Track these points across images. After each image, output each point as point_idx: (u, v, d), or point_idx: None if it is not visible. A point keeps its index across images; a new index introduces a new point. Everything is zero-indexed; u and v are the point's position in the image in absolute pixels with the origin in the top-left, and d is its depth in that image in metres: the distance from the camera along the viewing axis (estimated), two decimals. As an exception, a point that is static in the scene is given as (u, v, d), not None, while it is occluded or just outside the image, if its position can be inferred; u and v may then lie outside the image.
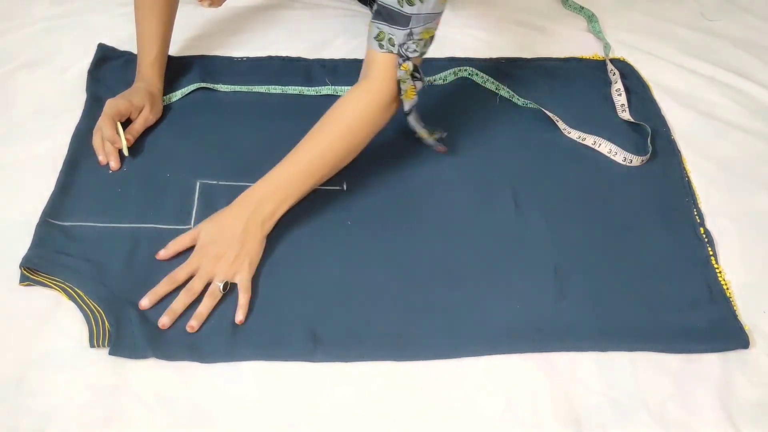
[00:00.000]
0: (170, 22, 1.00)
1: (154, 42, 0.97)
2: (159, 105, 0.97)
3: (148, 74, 0.97)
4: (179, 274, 0.77)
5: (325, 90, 1.03)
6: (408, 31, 0.81)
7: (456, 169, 0.94)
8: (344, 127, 0.84)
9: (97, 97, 0.99)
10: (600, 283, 0.83)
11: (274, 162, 0.92)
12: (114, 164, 0.89)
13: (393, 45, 0.82)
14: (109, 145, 0.90)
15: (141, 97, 0.94)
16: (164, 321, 0.74)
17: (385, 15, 0.82)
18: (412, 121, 0.89)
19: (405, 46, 0.82)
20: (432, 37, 0.84)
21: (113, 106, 0.91)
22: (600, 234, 0.88)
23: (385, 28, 0.82)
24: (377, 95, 0.84)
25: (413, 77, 0.83)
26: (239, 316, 0.75)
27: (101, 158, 0.90)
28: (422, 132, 0.91)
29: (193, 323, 0.74)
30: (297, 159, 0.83)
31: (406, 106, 0.86)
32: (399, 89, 0.84)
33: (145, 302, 0.76)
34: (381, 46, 0.83)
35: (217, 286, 0.76)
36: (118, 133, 0.90)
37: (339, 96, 0.99)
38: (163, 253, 0.80)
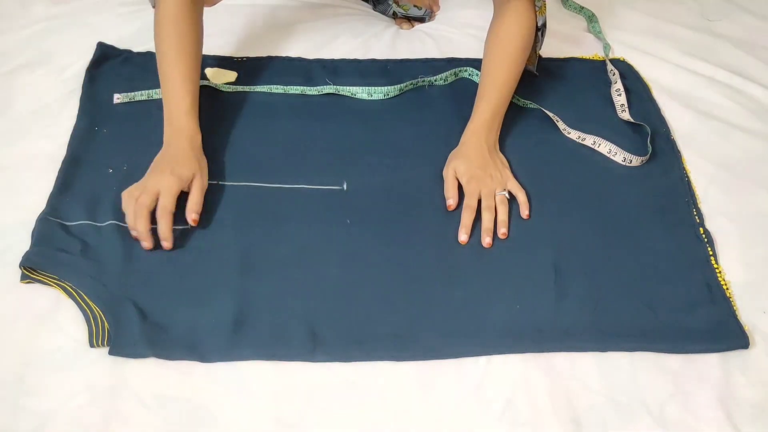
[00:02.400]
0: (199, 64, 0.93)
1: (188, 88, 0.89)
2: (204, 161, 0.88)
3: (186, 125, 0.88)
4: (471, 201, 0.87)
5: (327, 89, 1.03)
6: None
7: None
8: (516, 47, 0.96)
9: (93, 96, 0.99)
10: (600, 283, 0.83)
11: (274, 162, 0.93)
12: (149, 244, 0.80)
13: None
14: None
15: (189, 167, 0.84)
16: (463, 238, 0.85)
17: None
18: (541, 37, 1.00)
19: None
20: None
21: (169, 194, 0.81)
22: (600, 234, 0.88)
23: None
24: (529, 12, 0.96)
25: None
26: (524, 212, 0.89)
27: (148, 244, 0.80)
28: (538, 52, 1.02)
29: (494, 236, 0.85)
30: (492, 89, 0.95)
31: (540, 21, 0.97)
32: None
33: (464, 237, 0.85)
34: None
35: (504, 195, 0.88)
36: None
37: (341, 95, 0.99)
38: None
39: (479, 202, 0.88)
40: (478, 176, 0.89)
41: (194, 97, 0.90)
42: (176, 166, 0.84)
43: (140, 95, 0.98)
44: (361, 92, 1.03)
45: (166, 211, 0.80)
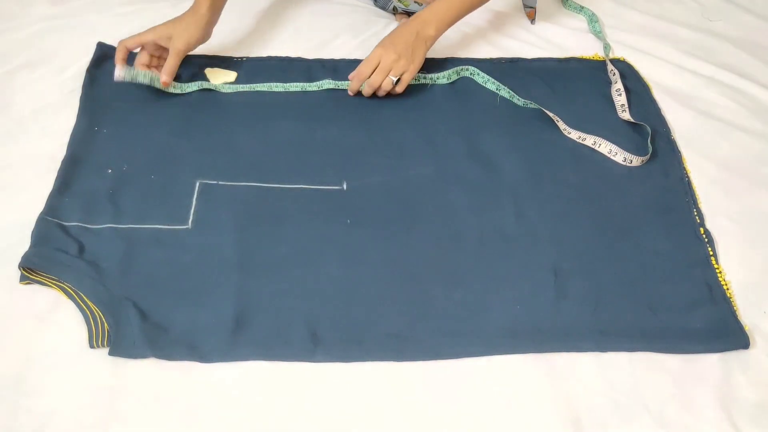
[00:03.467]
0: None
1: None
2: (195, 32, 0.99)
3: (201, 3, 0.99)
4: (364, 69, 0.98)
5: (327, 84, 1.04)
6: None
7: (455, 168, 0.95)
8: None
9: (93, 96, 0.99)
10: (600, 283, 0.83)
11: (274, 162, 0.93)
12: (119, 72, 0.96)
13: None
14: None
15: (162, 29, 0.98)
16: (353, 86, 0.99)
17: None
18: None
19: None
20: None
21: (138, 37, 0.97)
22: (600, 234, 0.88)
23: None
24: None
25: None
26: (399, 89, 0.99)
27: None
28: None
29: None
30: None
31: None
32: None
33: (353, 84, 0.99)
34: None
35: (391, 80, 0.97)
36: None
37: (342, 90, 1.02)
38: (350, 91, 1.00)
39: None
40: (390, 54, 0.97)
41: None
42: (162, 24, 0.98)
43: (143, 76, 0.98)
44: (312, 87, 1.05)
45: (173, 55, 0.97)
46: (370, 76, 0.98)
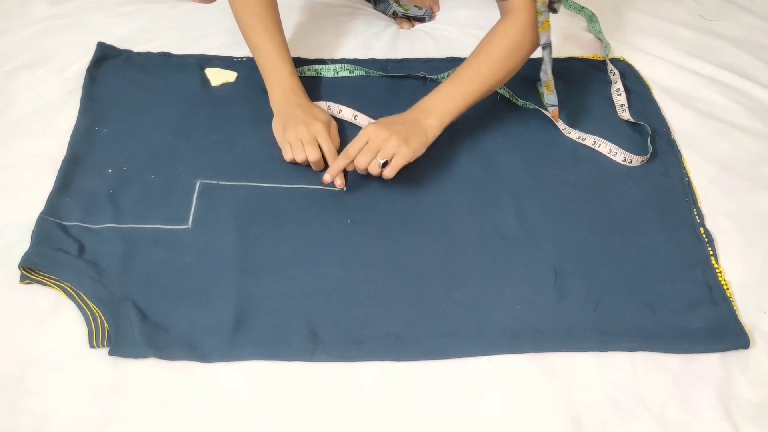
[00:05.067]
0: (281, 25, 1.00)
1: (283, 55, 0.97)
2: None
3: (296, 85, 0.97)
4: (352, 149, 0.86)
5: (342, 71, 1.06)
6: None
7: (456, 168, 0.95)
8: (501, 51, 0.93)
9: (93, 96, 0.99)
10: (600, 283, 0.83)
11: (275, 161, 0.92)
12: (340, 182, 0.89)
13: None
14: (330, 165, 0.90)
15: (322, 112, 0.96)
16: (326, 177, 0.86)
17: None
18: (546, 56, 0.96)
19: None
20: None
21: (326, 138, 0.91)
22: (600, 234, 0.88)
23: None
24: (524, 20, 0.92)
25: (550, 7, 0.91)
26: (387, 173, 0.86)
27: (339, 183, 0.89)
28: (548, 76, 0.98)
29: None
30: (459, 80, 0.92)
31: (543, 39, 0.94)
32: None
33: (327, 177, 0.86)
34: None
35: (378, 162, 0.85)
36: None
37: (354, 76, 1.05)
38: (328, 177, 0.87)
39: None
40: (381, 135, 0.86)
41: (290, 60, 0.99)
42: (309, 116, 0.93)
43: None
44: (359, 70, 1.07)
45: (335, 152, 0.91)
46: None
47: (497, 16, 0.97)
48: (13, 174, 0.89)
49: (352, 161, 0.86)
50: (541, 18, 0.91)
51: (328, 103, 0.99)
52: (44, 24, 1.12)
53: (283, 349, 0.74)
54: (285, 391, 0.72)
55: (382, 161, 0.85)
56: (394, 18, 1.22)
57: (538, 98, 1.04)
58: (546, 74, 0.98)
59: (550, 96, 1.00)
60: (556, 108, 1.00)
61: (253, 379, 0.72)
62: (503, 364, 0.76)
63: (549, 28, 0.93)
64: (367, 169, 0.86)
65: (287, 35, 1.06)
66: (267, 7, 0.97)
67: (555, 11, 0.93)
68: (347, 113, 1.00)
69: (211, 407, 0.70)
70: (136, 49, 1.08)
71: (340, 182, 0.89)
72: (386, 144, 0.85)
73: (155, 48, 1.08)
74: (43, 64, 1.05)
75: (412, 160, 0.87)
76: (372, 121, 0.99)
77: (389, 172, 0.86)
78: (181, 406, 0.70)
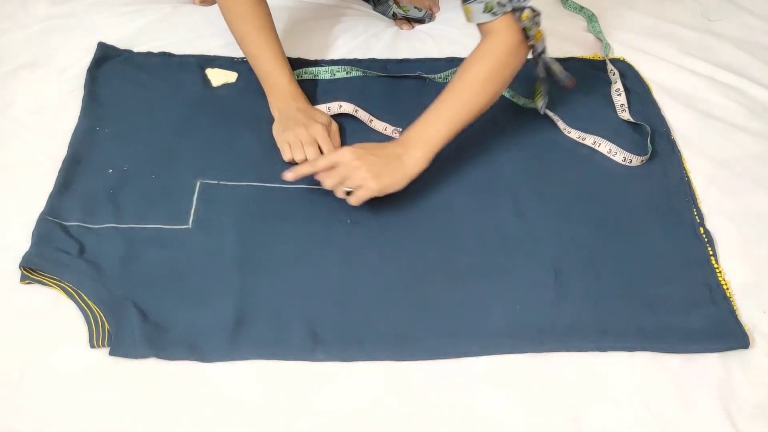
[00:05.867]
0: (276, 33, 1.00)
1: (280, 62, 0.98)
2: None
3: (296, 91, 0.98)
4: (320, 163, 0.84)
5: (340, 73, 1.05)
6: None
7: (456, 168, 0.95)
8: (482, 74, 0.88)
9: (94, 96, 0.99)
10: (600, 283, 0.83)
11: (275, 161, 0.92)
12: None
13: (503, 5, 0.86)
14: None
15: (321, 115, 0.96)
16: (287, 175, 0.84)
17: None
18: (547, 58, 0.93)
19: (515, 0, 0.86)
20: None
21: (325, 139, 0.92)
22: (600, 234, 0.88)
23: None
24: (507, 40, 0.88)
25: (534, 18, 0.88)
26: (351, 202, 0.83)
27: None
28: (556, 66, 0.95)
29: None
30: (442, 109, 0.87)
31: (539, 48, 0.91)
32: (527, 37, 0.88)
33: (289, 175, 0.84)
34: (495, 14, 0.86)
35: (342, 190, 0.83)
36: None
37: (352, 77, 1.04)
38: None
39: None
40: (354, 162, 0.82)
41: (288, 67, 0.99)
42: (309, 119, 0.93)
43: None
44: (356, 71, 1.07)
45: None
46: (321, 170, 0.85)
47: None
48: (14, 174, 0.89)
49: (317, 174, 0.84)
50: (532, 32, 0.88)
51: (328, 105, 1.00)
52: (45, 24, 1.12)
53: (283, 349, 0.74)
54: (285, 391, 0.72)
55: (346, 190, 0.83)
56: (394, 19, 1.22)
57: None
58: (552, 67, 0.96)
59: (561, 75, 0.97)
60: (570, 79, 0.99)
61: (253, 379, 0.72)
62: (503, 364, 0.76)
63: (542, 36, 0.90)
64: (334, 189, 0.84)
65: (287, 37, 1.07)
66: (259, 16, 0.97)
67: (538, 24, 0.89)
68: (348, 108, 1.00)
69: (212, 407, 0.70)
70: (136, 50, 1.08)
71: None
72: (355, 173, 0.82)
73: (156, 48, 1.08)
74: (44, 64, 1.05)
75: (380, 195, 0.83)
76: (372, 118, 0.99)
77: (353, 201, 0.84)
78: (182, 407, 0.70)
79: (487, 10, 0.86)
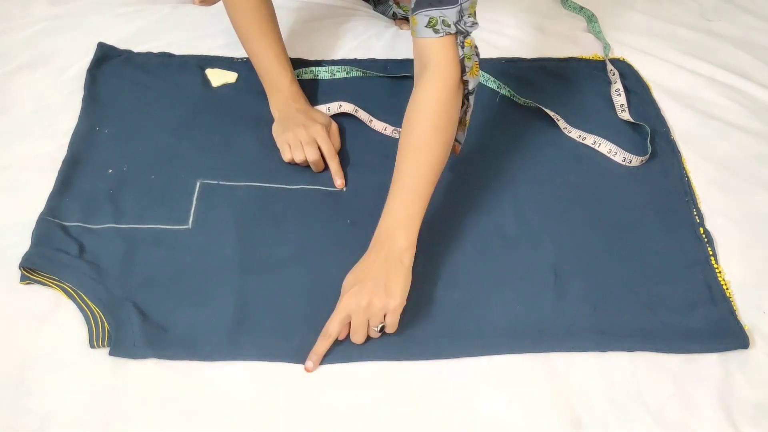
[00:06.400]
0: (280, 33, 1.00)
1: (282, 62, 0.97)
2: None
3: (297, 91, 0.98)
4: (332, 327, 0.74)
5: (339, 73, 1.05)
6: (459, 7, 0.79)
7: (455, 168, 0.94)
8: (431, 127, 0.80)
9: (94, 96, 0.99)
10: (600, 283, 0.83)
11: (275, 161, 0.92)
12: (341, 182, 0.91)
13: (448, 25, 0.79)
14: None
15: (322, 115, 0.96)
16: (308, 365, 0.73)
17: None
18: (472, 101, 0.86)
19: (462, 22, 0.80)
20: (475, 12, 0.82)
21: (325, 139, 0.92)
22: (600, 234, 0.88)
23: (434, 12, 0.79)
24: (447, 81, 0.81)
25: (476, 50, 0.82)
26: (389, 331, 0.76)
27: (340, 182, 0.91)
28: (468, 114, 0.87)
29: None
30: (404, 181, 0.79)
31: (471, 85, 0.83)
32: (463, 68, 0.81)
33: (309, 365, 0.73)
34: (436, 32, 0.79)
35: (375, 331, 0.75)
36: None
37: (352, 77, 1.03)
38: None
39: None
40: (358, 302, 0.74)
41: (290, 67, 0.98)
42: (309, 119, 0.93)
43: None
44: (356, 71, 1.07)
45: (334, 153, 0.92)
46: (347, 335, 0.76)
47: (497, 16, 0.96)
48: (14, 174, 0.89)
49: (337, 338, 0.75)
50: (470, 63, 0.81)
51: (328, 105, 1.00)
52: (44, 24, 1.12)
53: (283, 349, 0.74)
54: (285, 391, 0.72)
55: (378, 328, 0.75)
56: (394, 19, 1.22)
57: (538, 98, 1.04)
58: (466, 116, 0.88)
59: (460, 134, 0.89)
60: (459, 145, 0.91)
61: (253, 379, 0.72)
62: (503, 364, 0.76)
63: (478, 72, 0.83)
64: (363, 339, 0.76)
65: (287, 36, 1.07)
66: (264, 15, 0.97)
67: (477, 57, 0.82)
68: (348, 107, 1.00)
69: (212, 407, 0.70)
70: (136, 50, 1.08)
71: (340, 182, 0.90)
72: (371, 311, 0.73)
73: (156, 48, 1.08)
74: (44, 64, 1.05)
75: (405, 303, 0.75)
76: (372, 118, 0.99)
77: (392, 331, 0.76)
78: (182, 407, 0.70)
79: (430, 25, 0.79)
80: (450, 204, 0.90)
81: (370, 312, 0.74)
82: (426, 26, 0.80)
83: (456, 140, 0.89)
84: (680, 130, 1.04)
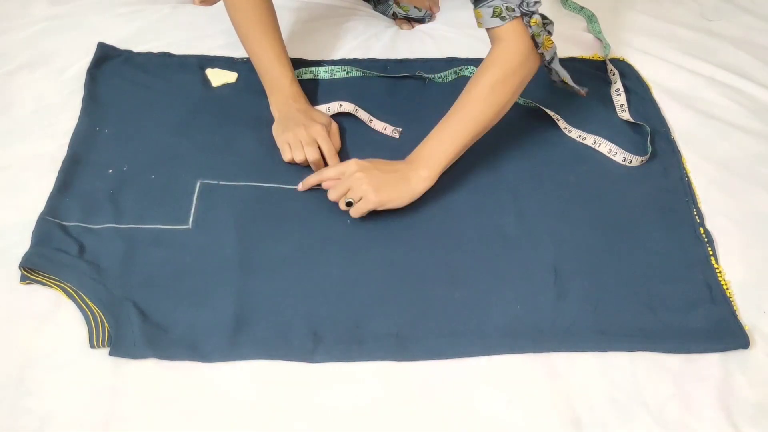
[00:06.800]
0: (280, 33, 1.00)
1: (283, 61, 0.98)
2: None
3: (297, 91, 0.98)
4: (327, 173, 0.86)
5: (339, 73, 1.05)
6: None
7: (456, 168, 0.94)
8: (489, 87, 0.87)
9: (94, 96, 0.99)
10: (600, 283, 0.83)
11: (275, 161, 0.92)
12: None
13: (512, 10, 0.85)
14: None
15: (321, 115, 0.97)
16: (300, 186, 0.88)
17: None
18: (556, 67, 0.93)
19: (524, 4, 0.85)
20: None
21: (325, 139, 0.92)
22: (600, 234, 0.88)
23: (497, 2, 0.85)
24: (515, 54, 0.87)
25: (545, 26, 0.87)
26: (352, 214, 0.84)
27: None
28: (566, 77, 0.95)
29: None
30: (449, 124, 0.88)
31: (548, 56, 0.90)
32: (536, 44, 0.88)
33: (300, 186, 0.88)
34: (503, 19, 0.86)
35: (343, 202, 0.84)
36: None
37: (352, 77, 1.04)
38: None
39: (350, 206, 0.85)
40: (361, 175, 0.84)
41: (290, 67, 0.99)
42: (309, 119, 0.94)
43: None
44: (356, 71, 1.06)
45: (335, 153, 0.92)
46: (327, 179, 0.87)
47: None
48: (14, 174, 0.89)
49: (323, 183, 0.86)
50: (540, 39, 0.87)
51: (328, 105, 1.00)
52: (44, 24, 1.12)
53: (283, 349, 0.74)
54: (285, 391, 0.72)
55: (347, 201, 0.84)
56: (394, 19, 1.22)
57: (538, 98, 1.04)
58: (561, 76, 0.95)
59: (573, 84, 0.97)
60: (582, 89, 0.98)
61: (253, 379, 0.72)
62: (503, 364, 0.76)
63: (551, 43, 0.89)
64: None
65: (287, 36, 1.07)
66: (264, 15, 0.97)
67: (550, 33, 0.88)
68: (348, 107, 1.00)
69: (212, 407, 0.70)
70: (136, 50, 1.08)
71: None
72: (357, 185, 0.83)
73: (156, 48, 1.08)
74: (44, 64, 1.05)
75: (380, 208, 0.84)
76: (372, 117, 0.99)
77: (353, 213, 0.84)
78: (182, 407, 0.70)
79: (496, 14, 0.85)
80: (450, 204, 0.90)
81: (355, 185, 0.83)
82: (492, 16, 0.86)
83: (580, 87, 0.97)
84: (680, 130, 1.04)
